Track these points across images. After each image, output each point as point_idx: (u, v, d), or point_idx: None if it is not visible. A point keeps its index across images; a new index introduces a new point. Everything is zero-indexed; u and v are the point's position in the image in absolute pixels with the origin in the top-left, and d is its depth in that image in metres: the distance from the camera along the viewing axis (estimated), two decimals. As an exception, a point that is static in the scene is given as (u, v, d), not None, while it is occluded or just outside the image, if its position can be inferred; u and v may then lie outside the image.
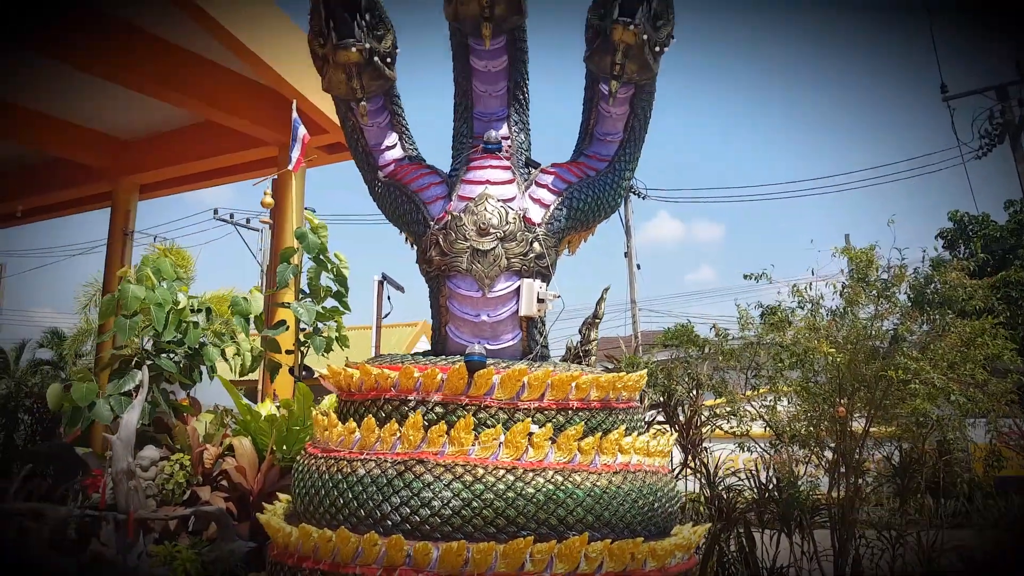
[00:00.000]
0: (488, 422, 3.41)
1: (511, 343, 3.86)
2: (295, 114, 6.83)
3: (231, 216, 27.84)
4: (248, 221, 28.27)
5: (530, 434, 3.38)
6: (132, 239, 10.76)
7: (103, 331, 10.54)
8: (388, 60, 4.04)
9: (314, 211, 7.38)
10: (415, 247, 4.20)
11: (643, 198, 25.59)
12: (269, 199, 7.34)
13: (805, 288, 6.08)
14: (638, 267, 21.36)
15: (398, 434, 3.40)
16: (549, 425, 3.43)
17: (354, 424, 3.55)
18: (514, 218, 3.85)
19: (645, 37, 3.70)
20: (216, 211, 27.45)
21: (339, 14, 3.78)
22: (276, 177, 8.25)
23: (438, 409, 3.45)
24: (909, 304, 5.97)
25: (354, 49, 3.78)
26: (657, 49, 3.84)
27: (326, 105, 8.50)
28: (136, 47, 7.80)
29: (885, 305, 5.71)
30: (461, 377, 3.43)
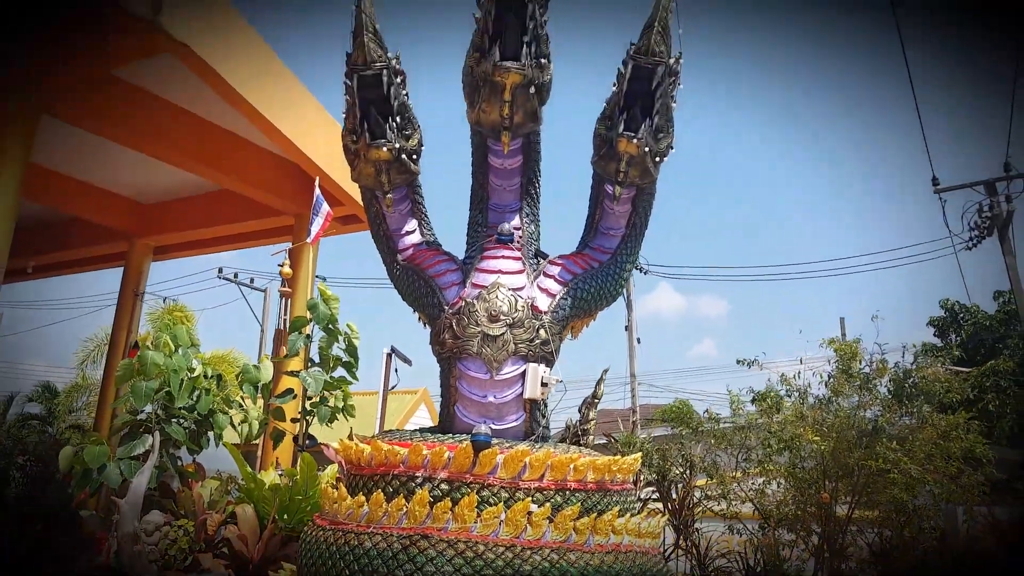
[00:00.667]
0: (490, 500, 3.61)
1: (515, 424, 4.10)
2: (318, 190, 7.19)
3: (235, 275, 28.19)
4: (252, 281, 28.64)
5: (529, 513, 3.57)
6: (142, 299, 11.02)
7: (109, 392, 10.71)
8: (414, 156, 4.40)
9: (324, 279, 7.69)
10: (428, 328, 4.47)
11: (645, 273, 26.04)
12: (287, 269, 7.64)
13: (794, 376, 6.35)
14: (638, 341, 21.52)
15: (405, 509, 3.59)
16: (548, 504, 3.63)
17: (363, 498, 3.74)
18: (523, 306, 4.14)
19: (647, 149, 4.07)
20: (221, 270, 27.78)
21: (372, 115, 4.15)
22: (292, 246, 8.57)
23: (444, 486, 3.66)
24: (890, 396, 6.24)
25: (385, 148, 4.14)
26: (658, 159, 4.21)
27: (342, 178, 8.93)
28: (158, 116, 8.19)
29: (867, 396, 5.98)
30: (467, 456, 3.65)
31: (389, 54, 4.18)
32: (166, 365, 5.85)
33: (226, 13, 6.77)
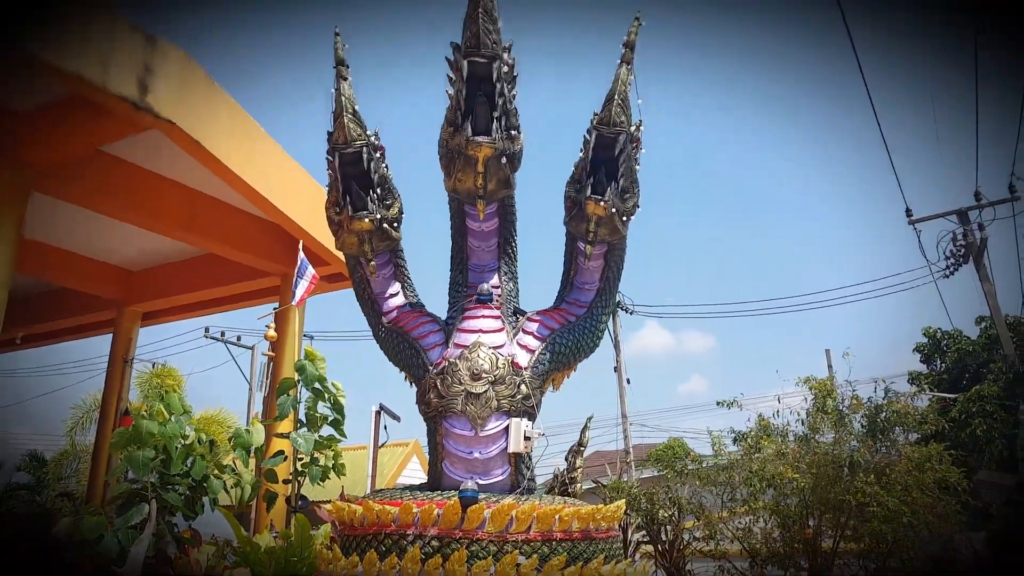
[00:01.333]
0: (480, 554, 3.75)
1: (501, 478, 4.25)
2: (302, 253, 7.39)
3: (222, 334, 28.22)
4: (239, 339, 28.67)
5: (518, 565, 3.71)
6: (132, 366, 11.10)
7: (101, 459, 10.72)
8: (395, 224, 4.64)
9: (311, 338, 7.85)
10: (414, 387, 4.65)
11: (630, 313, 26.31)
12: (272, 333, 7.80)
13: (773, 415, 6.54)
14: (628, 381, 21.68)
15: (398, 567, 3.73)
16: (535, 556, 3.77)
17: (356, 558, 3.87)
18: (503, 364, 4.33)
19: (614, 210, 4.33)
20: (207, 330, 27.81)
21: (354, 189, 4.40)
22: (277, 309, 8.74)
23: (434, 543, 3.79)
24: (864, 431, 6.44)
25: (367, 220, 4.37)
26: (625, 218, 4.46)
27: (326, 238, 9.15)
28: (144, 188, 8.39)
29: (843, 432, 6.17)
30: (455, 512, 3.80)
31: (368, 131, 4.44)
32: (161, 433, 5.96)
33: (208, 87, 7.04)
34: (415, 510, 3.84)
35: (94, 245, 10.54)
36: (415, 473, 19.07)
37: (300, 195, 8.70)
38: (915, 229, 22.97)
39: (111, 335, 11.47)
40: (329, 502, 6.48)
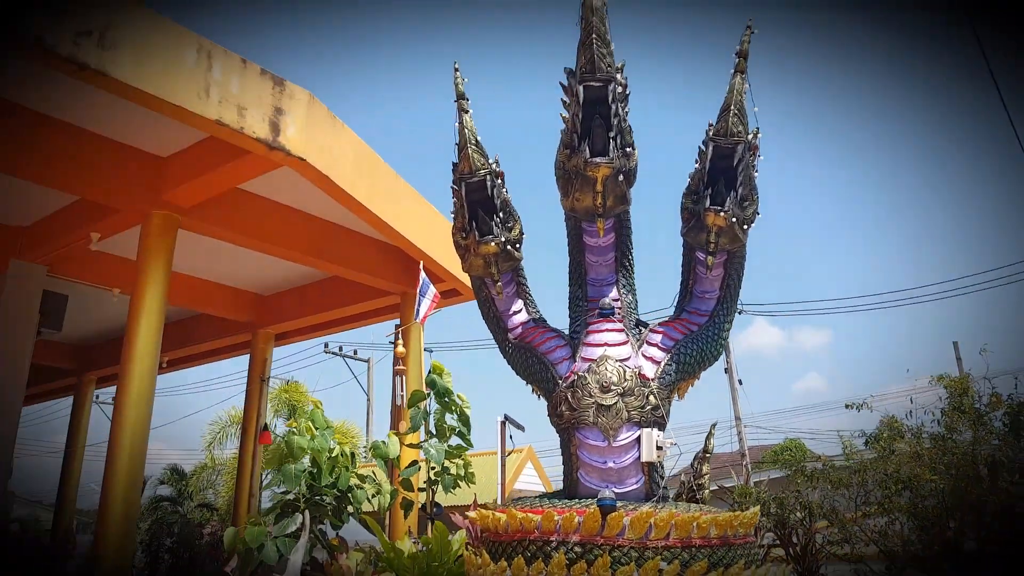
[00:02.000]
0: (622, 560, 3.89)
1: (635, 487, 4.38)
2: (423, 274, 7.76)
3: (340, 349, 29.60)
4: (355, 352, 29.98)
5: (660, 571, 3.83)
6: (268, 384, 11.88)
7: (245, 471, 11.53)
8: (517, 245, 4.86)
9: (431, 351, 8.21)
10: (544, 400, 4.84)
11: (739, 312, 25.74)
12: (401, 348, 8.22)
13: (906, 415, 6.36)
14: (740, 382, 21.29)
15: (544, 572, 3.92)
16: (676, 562, 3.88)
17: (505, 563, 4.09)
18: (631, 376, 4.46)
19: (734, 219, 4.38)
20: (327, 345, 29.22)
21: (480, 215, 4.65)
22: (403, 328, 9.18)
23: (577, 549, 3.96)
24: (1006, 429, 6.16)
25: (493, 244, 4.61)
26: (745, 226, 4.50)
27: (442, 257, 9.56)
28: (275, 219, 9.06)
29: (982, 431, 5.94)
30: (596, 520, 3.96)
31: (489, 159, 4.69)
32: (310, 447, 6.42)
33: (332, 124, 7.54)
34: (557, 517, 4.02)
35: (228, 273, 11.39)
36: (530, 478, 19.37)
37: (417, 218, 9.14)
38: (1049, 208, 21.42)
39: (247, 356, 12.35)
40: (468, 507, 6.80)
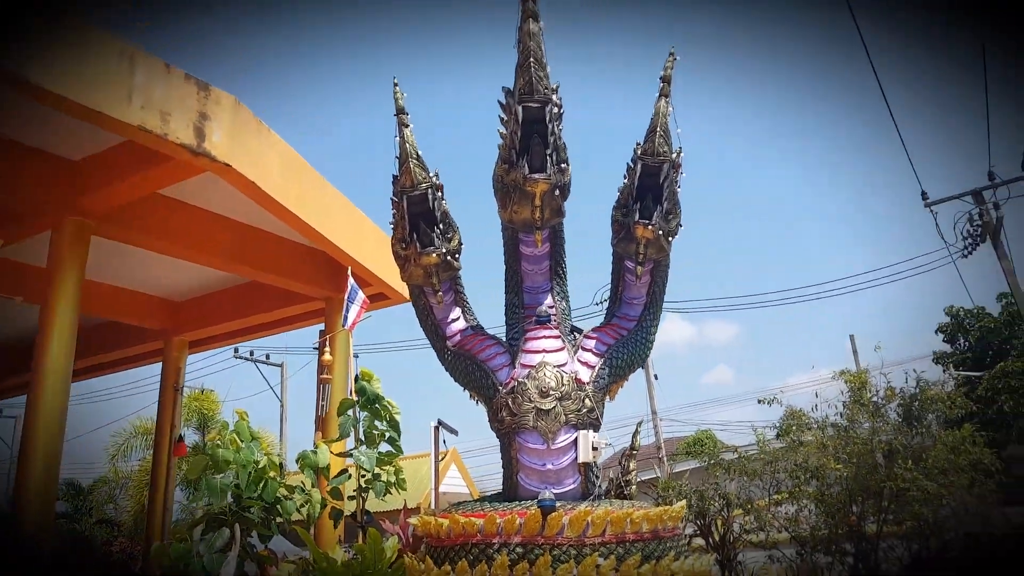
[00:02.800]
0: (562, 558, 4.08)
1: (572, 487, 4.59)
2: (351, 280, 7.76)
3: (251, 353, 28.76)
4: (268, 357, 29.21)
5: (597, 566, 4.05)
6: (181, 393, 11.52)
7: (159, 484, 11.15)
8: (456, 255, 4.99)
9: (356, 356, 8.22)
10: (483, 405, 4.99)
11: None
12: (328, 356, 8.18)
13: (811, 408, 6.85)
14: (656, 377, 21.98)
15: (487, 574, 4.07)
16: (612, 557, 4.10)
17: (448, 567, 4.22)
18: (568, 380, 4.67)
19: (661, 232, 4.66)
20: (236, 350, 28.33)
21: (420, 227, 4.75)
22: (330, 335, 9.13)
23: (519, 549, 4.13)
24: (900, 420, 6.75)
25: (434, 255, 4.73)
26: (670, 238, 4.80)
27: (367, 260, 9.54)
28: (195, 224, 8.81)
29: (880, 422, 6.49)
30: (537, 520, 4.14)
31: (430, 172, 4.80)
32: (235, 460, 6.34)
33: (258, 129, 7.44)
34: (498, 520, 4.18)
35: (141, 279, 10.98)
36: (455, 481, 19.48)
37: (344, 223, 9.10)
38: (931, 211, 23.11)
39: (160, 364, 11.93)
40: (398, 513, 6.84)
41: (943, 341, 26.57)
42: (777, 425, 7.38)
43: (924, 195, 22.44)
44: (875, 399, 6.85)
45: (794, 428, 7.02)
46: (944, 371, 7.54)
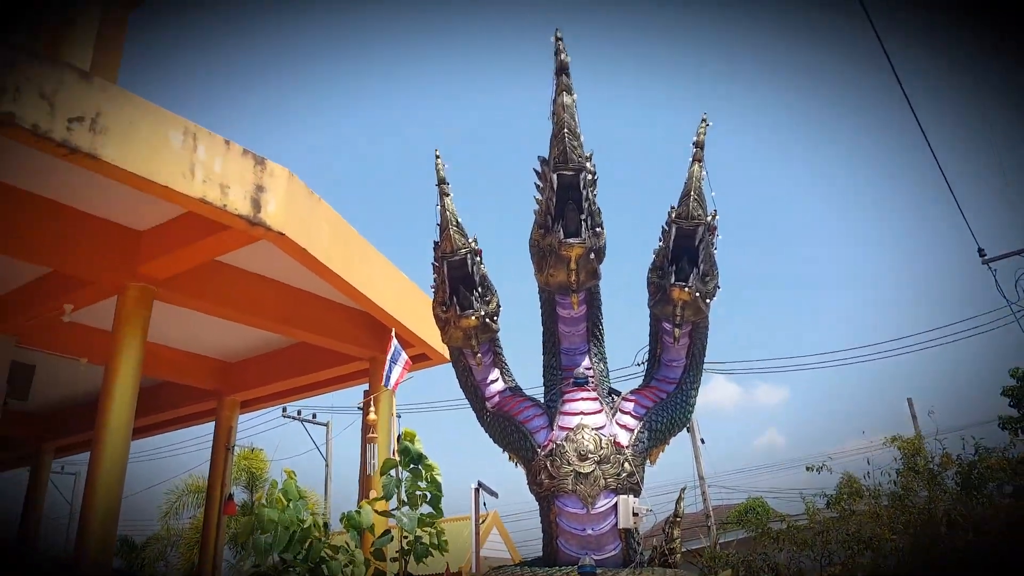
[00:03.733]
0: (601, 625, 4.05)
1: (613, 553, 4.56)
2: (395, 340, 7.91)
3: (299, 413, 29.10)
4: (314, 416, 29.51)
5: (638, 634, 3.99)
6: (233, 452, 11.75)
7: (209, 542, 11.30)
8: (495, 317, 5.12)
9: (399, 416, 8.30)
10: (522, 468, 5.03)
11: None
12: (373, 416, 8.29)
13: (864, 476, 6.66)
14: (702, 441, 21.53)
15: (526, 638, 4.04)
16: (654, 625, 4.04)
17: (487, 631, 4.21)
18: (607, 443, 4.69)
19: (698, 294, 4.71)
20: (285, 409, 28.68)
21: (460, 290, 4.91)
22: (375, 396, 9.26)
23: (558, 615, 4.11)
24: (958, 488, 6.49)
25: (474, 318, 4.87)
26: (708, 300, 4.84)
27: (410, 322, 9.73)
28: (248, 289, 9.15)
29: (936, 490, 6.25)
30: (576, 586, 4.12)
31: (469, 238, 4.98)
32: (280, 519, 6.42)
33: (309, 199, 7.76)
34: (538, 585, 4.17)
35: (196, 341, 11.35)
36: (496, 544, 19.17)
37: (387, 285, 9.34)
38: (990, 268, 22.47)
39: (213, 423, 12.21)
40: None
41: (1009, 405, 25.44)
42: (828, 493, 7.17)
43: (981, 252, 21.85)
44: (931, 466, 6.63)
45: (846, 496, 6.81)
46: (1010, 438, 7.25)
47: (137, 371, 7.62)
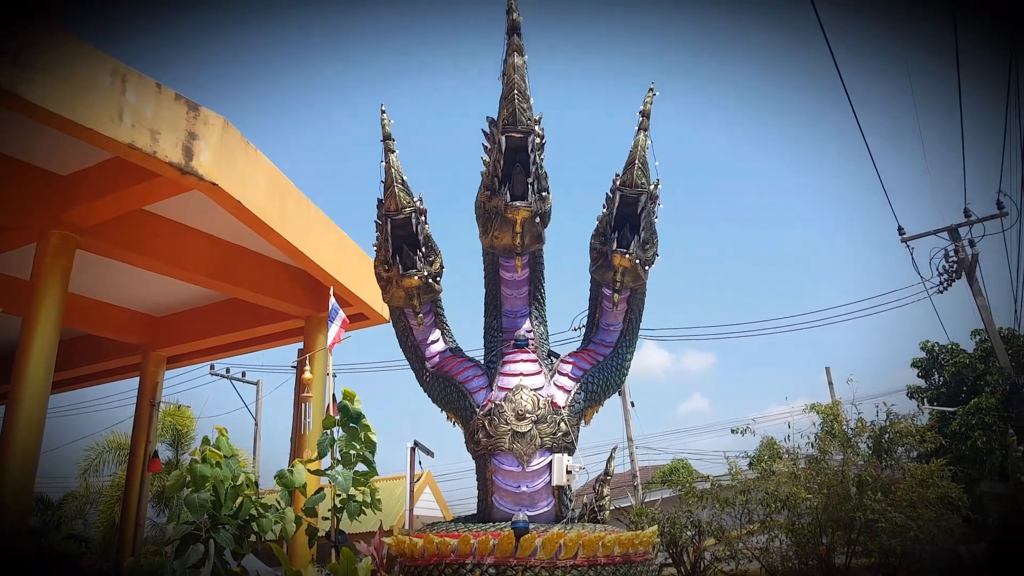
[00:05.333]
0: (534, 579, 4.16)
1: (546, 509, 4.67)
2: (333, 299, 7.80)
3: (227, 371, 28.50)
4: (244, 375, 28.97)
5: (569, 587, 4.12)
6: (158, 409, 11.45)
7: (132, 500, 11.04)
8: (437, 278, 5.10)
9: (334, 375, 8.24)
10: (460, 427, 5.07)
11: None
12: (308, 375, 8.19)
13: (784, 438, 6.98)
14: (632, 405, 22.04)
15: (460, 593, 4.12)
16: (584, 579, 4.17)
17: (421, 586, 4.27)
18: (544, 404, 4.77)
19: (638, 260, 4.80)
20: (213, 367, 28.05)
21: (404, 250, 4.86)
22: (311, 354, 9.15)
23: (491, 570, 4.20)
24: (870, 452, 6.89)
25: (416, 277, 4.83)
26: (647, 267, 4.94)
27: (349, 281, 9.60)
28: (179, 241, 8.83)
29: (850, 453, 6.62)
30: (510, 542, 4.21)
31: (414, 197, 4.92)
32: (214, 476, 6.33)
33: (245, 149, 7.52)
34: (472, 541, 4.24)
35: (120, 293, 10.94)
36: (429, 503, 19.37)
37: (326, 243, 9.17)
38: (908, 247, 23.52)
39: (137, 379, 11.85)
40: (372, 534, 6.87)
41: (918, 376, 26.85)
42: (751, 455, 7.49)
43: (901, 230, 22.85)
44: (846, 431, 6.99)
45: (766, 457, 7.13)
46: (918, 406, 7.70)
47: (57, 323, 7.31)
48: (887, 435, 6.90)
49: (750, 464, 7.34)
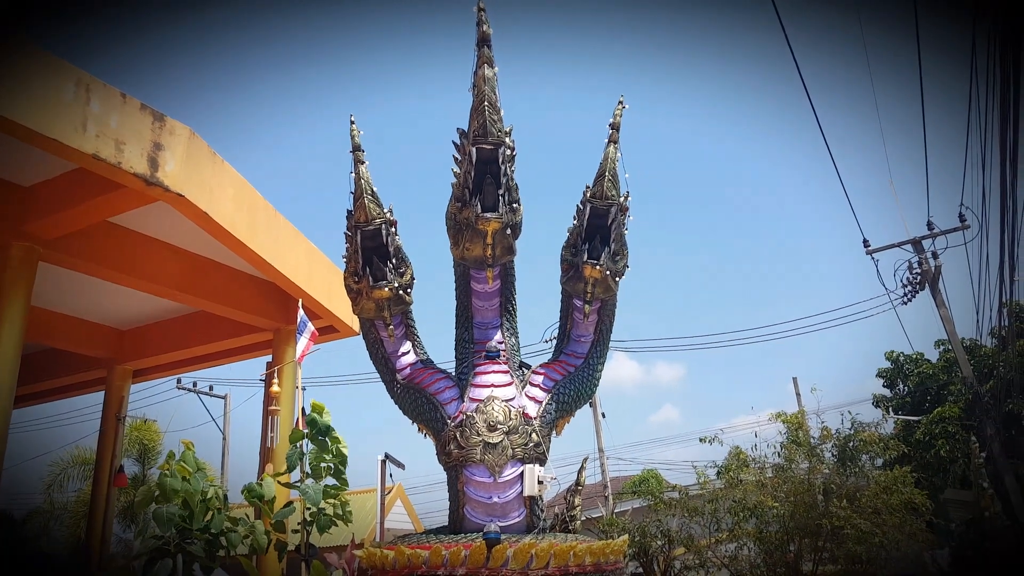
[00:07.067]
0: (505, 589, 4.16)
1: (517, 520, 4.68)
2: (301, 312, 7.75)
3: (194, 384, 28.06)
4: (211, 388, 28.53)
5: (540, 598, 4.12)
6: (124, 423, 11.24)
7: (97, 515, 10.81)
8: (408, 290, 5.10)
9: (304, 388, 8.18)
10: (432, 439, 5.06)
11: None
12: (276, 388, 8.12)
13: (751, 448, 7.07)
14: (603, 415, 22.11)
15: (431, 605, 4.11)
16: (555, 589, 4.18)
17: (392, 598, 4.25)
18: (516, 415, 4.78)
19: (608, 272, 4.85)
20: (179, 381, 27.60)
21: (374, 261, 4.85)
22: (279, 367, 9.07)
23: (463, 581, 4.19)
24: (835, 460, 7.01)
25: (387, 289, 4.83)
26: (617, 278, 4.99)
27: (318, 294, 9.54)
28: (145, 253, 8.70)
29: (816, 461, 6.73)
30: (482, 552, 4.21)
31: (384, 208, 4.92)
32: (184, 490, 6.24)
33: (212, 160, 7.45)
34: (444, 552, 4.24)
35: (84, 306, 10.74)
36: (400, 516, 19.21)
37: (295, 255, 9.10)
38: (873, 259, 23.98)
39: (103, 393, 11.63)
40: (344, 548, 6.81)
41: (883, 386, 27.30)
42: (719, 465, 7.57)
43: (866, 242, 23.28)
44: (811, 439, 7.11)
45: (734, 466, 7.22)
46: (883, 415, 7.85)
47: (20, 337, 7.17)
48: (852, 443, 7.03)
49: (718, 473, 7.43)
